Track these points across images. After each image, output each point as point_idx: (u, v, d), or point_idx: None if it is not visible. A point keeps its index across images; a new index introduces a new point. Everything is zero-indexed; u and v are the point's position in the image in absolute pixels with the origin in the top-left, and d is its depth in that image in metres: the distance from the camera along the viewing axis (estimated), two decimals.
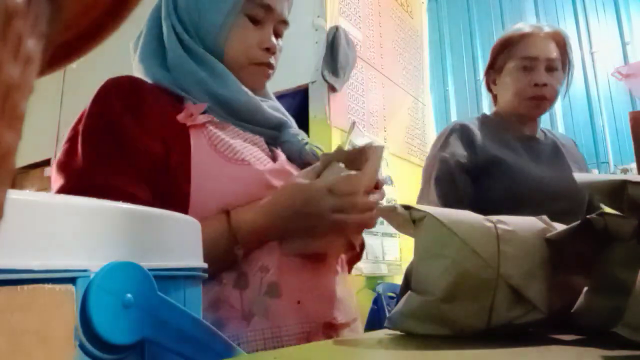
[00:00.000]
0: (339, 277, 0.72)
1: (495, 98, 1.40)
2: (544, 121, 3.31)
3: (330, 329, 0.66)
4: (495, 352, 0.36)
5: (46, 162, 3.91)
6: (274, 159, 0.75)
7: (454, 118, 3.32)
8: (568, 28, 2.93)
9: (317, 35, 2.07)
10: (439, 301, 0.42)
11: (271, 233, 0.64)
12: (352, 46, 2.09)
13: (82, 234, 0.31)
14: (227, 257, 0.62)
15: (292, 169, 0.74)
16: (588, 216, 0.41)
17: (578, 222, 0.42)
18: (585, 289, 0.45)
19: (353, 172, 0.62)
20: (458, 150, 1.22)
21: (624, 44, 2.82)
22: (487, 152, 1.21)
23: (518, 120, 1.30)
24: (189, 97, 0.72)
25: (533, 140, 1.31)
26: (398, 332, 0.46)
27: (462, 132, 1.25)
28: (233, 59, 0.73)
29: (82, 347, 0.29)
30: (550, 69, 1.25)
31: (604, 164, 3.11)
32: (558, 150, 1.31)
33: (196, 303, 0.40)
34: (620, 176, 0.39)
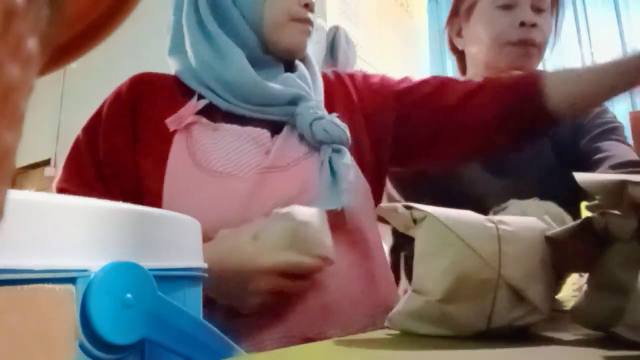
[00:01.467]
0: (345, 282, 0.65)
1: (461, 60, 1.07)
2: None
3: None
4: (496, 352, 0.36)
5: (46, 162, 3.90)
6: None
7: None
8: (568, 28, 2.93)
9: (317, 35, 2.07)
10: (439, 302, 0.42)
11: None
12: (352, 46, 2.09)
13: (82, 234, 0.31)
14: None
15: (286, 165, 0.67)
16: (588, 215, 0.41)
17: (579, 220, 0.42)
18: (585, 288, 0.45)
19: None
20: None
21: (624, 44, 2.82)
22: None
23: None
24: (198, 90, 0.71)
25: None
26: (398, 332, 0.46)
27: None
28: (273, 18, 0.71)
29: (82, 347, 0.29)
30: (536, 9, 0.96)
31: None
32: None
33: (196, 303, 0.40)
34: (620, 176, 0.39)
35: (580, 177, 0.42)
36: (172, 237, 0.38)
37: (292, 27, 0.72)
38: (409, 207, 0.46)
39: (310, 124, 0.69)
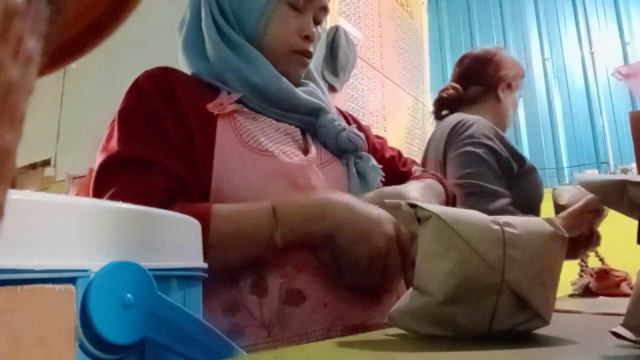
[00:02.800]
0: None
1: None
2: (544, 122, 3.31)
3: (363, 331, 0.59)
4: (497, 354, 0.36)
5: (46, 162, 3.91)
6: (305, 151, 0.73)
7: None
8: (568, 28, 2.93)
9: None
10: (441, 303, 0.42)
11: (316, 234, 0.59)
12: (352, 46, 2.09)
13: (82, 234, 0.31)
14: (264, 247, 0.59)
15: (321, 164, 0.72)
16: (625, 178, 0.40)
17: (617, 177, 0.41)
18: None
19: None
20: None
21: (624, 44, 2.82)
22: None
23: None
24: (225, 88, 0.73)
25: None
26: (399, 332, 0.46)
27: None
28: (272, 47, 0.73)
29: (82, 347, 0.29)
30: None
31: (604, 164, 3.11)
32: None
33: (196, 303, 0.40)
34: (620, 176, 0.39)
35: (579, 177, 0.42)
36: (172, 237, 0.38)
37: (291, 58, 0.75)
38: (413, 206, 0.46)
39: (336, 136, 0.75)
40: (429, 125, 2.85)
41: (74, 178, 3.61)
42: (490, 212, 0.46)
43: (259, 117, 0.71)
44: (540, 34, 3.09)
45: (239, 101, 0.71)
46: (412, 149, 2.59)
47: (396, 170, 0.89)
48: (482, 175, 1.21)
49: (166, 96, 0.67)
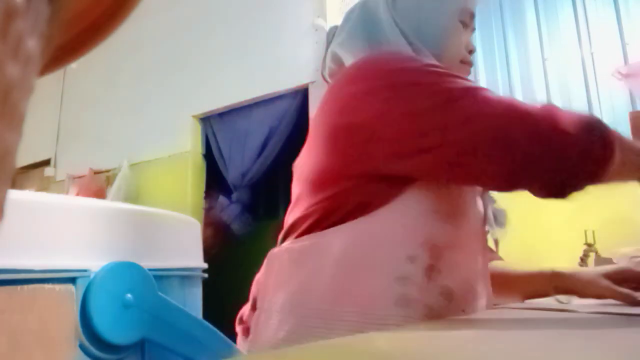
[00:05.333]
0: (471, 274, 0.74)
1: None
2: None
3: None
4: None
5: (46, 162, 3.91)
6: None
7: None
8: (568, 28, 2.94)
9: (317, 35, 2.07)
10: None
11: None
12: None
13: (82, 234, 0.31)
14: None
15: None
16: None
17: None
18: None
19: None
20: None
21: (624, 44, 2.82)
22: None
23: None
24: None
25: None
26: (410, 333, 0.46)
27: None
28: (448, 59, 0.79)
29: (82, 347, 0.29)
30: None
31: None
32: None
33: (196, 303, 0.40)
34: None
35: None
36: (172, 237, 0.38)
37: (460, 68, 0.81)
38: None
39: None
40: None
41: (74, 178, 3.61)
42: None
43: None
44: (539, 34, 3.09)
45: None
46: None
47: None
48: None
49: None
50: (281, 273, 0.69)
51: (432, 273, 0.64)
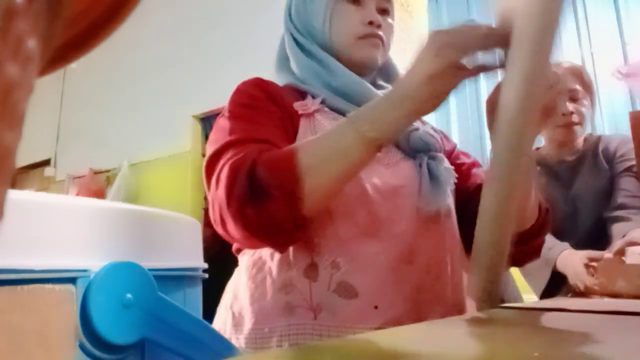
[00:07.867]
0: (443, 281, 0.68)
1: None
2: None
3: None
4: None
5: (46, 162, 3.91)
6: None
7: (453, 117, 3.32)
8: (568, 28, 2.93)
9: None
10: None
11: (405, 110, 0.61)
12: None
13: (82, 234, 0.31)
14: (356, 155, 0.59)
15: (387, 163, 0.72)
16: None
17: None
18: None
19: None
20: None
21: (624, 44, 2.82)
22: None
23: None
24: (310, 92, 0.78)
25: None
26: (395, 332, 0.46)
27: None
28: (339, 41, 0.78)
29: (82, 347, 0.29)
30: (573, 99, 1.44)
31: None
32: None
33: (196, 303, 0.40)
34: None
35: None
36: (172, 237, 0.38)
37: (359, 44, 0.78)
38: None
39: (409, 135, 0.75)
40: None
41: (74, 178, 3.61)
42: None
43: (338, 117, 0.74)
44: None
45: (325, 104, 0.76)
46: None
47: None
48: None
49: (268, 95, 0.73)
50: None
51: (316, 272, 0.62)
